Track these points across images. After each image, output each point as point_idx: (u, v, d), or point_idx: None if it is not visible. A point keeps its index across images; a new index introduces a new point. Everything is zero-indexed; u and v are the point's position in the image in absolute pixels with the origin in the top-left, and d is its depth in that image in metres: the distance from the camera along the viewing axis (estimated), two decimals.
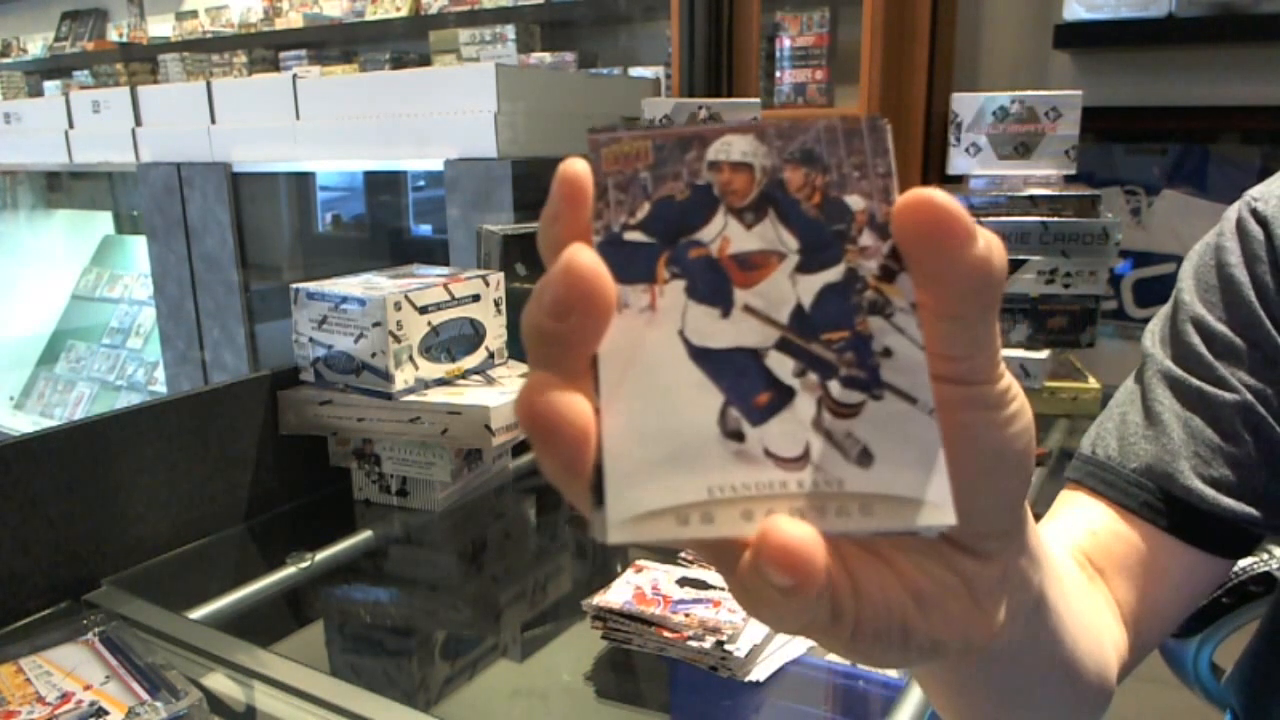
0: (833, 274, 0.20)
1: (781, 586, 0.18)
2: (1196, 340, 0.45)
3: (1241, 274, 0.44)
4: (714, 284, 0.20)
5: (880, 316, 0.20)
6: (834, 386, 0.19)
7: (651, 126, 0.21)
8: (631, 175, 0.20)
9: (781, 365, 0.20)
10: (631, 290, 0.19)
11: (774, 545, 0.18)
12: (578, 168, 0.20)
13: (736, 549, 0.19)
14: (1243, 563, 0.59)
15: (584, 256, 0.18)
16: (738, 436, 0.19)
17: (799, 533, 0.18)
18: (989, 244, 0.20)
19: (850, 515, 0.19)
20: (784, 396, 0.19)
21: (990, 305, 0.20)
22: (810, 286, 0.20)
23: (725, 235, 0.20)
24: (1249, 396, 0.43)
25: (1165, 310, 0.48)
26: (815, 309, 0.20)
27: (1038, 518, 0.47)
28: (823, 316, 0.20)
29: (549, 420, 0.18)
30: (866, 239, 0.20)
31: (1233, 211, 0.46)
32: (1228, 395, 0.43)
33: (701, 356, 0.19)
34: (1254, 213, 0.45)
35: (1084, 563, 0.43)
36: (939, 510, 0.19)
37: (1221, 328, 0.44)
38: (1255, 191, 0.46)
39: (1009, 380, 0.22)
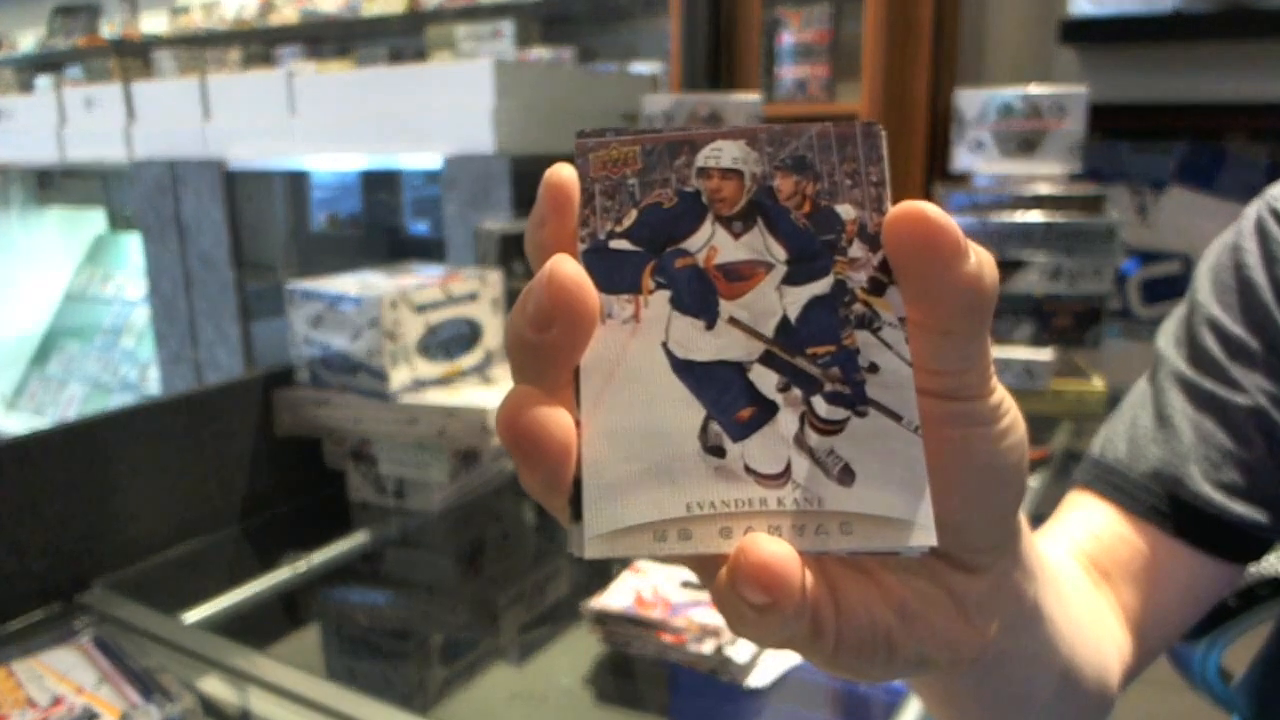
0: (820, 286, 0.20)
1: (757, 604, 0.18)
2: (1211, 342, 0.44)
3: (1259, 276, 0.43)
4: (699, 295, 0.20)
5: (868, 331, 0.19)
6: (818, 402, 0.19)
7: (642, 130, 0.20)
8: (619, 181, 0.20)
9: (765, 380, 0.19)
10: (616, 300, 0.19)
11: (750, 563, 0.18)
12: (564, 174, 0.19)
13: (718, 562, 0.19)
14: (1252, 565, 0.58)
15: (567, 267, 0.18)
16: (718, 452, 0.19)
17: (776, 550, 0.18)
18: (980, 260, 0.19)
19: (830, 534, 0.19)
20: (766, 412, 0.19)
21: (981, 322, 0.20)
22: (797, 299, 0.20)
23: (713, 245, 0.20)
24: (1262, 400, 0.42)
25: (1180, 311, 0.48)
26: (801, 322, 0.20)
27: (1042, 520, 0.47)
28: (809, 330, 0.20)
29: (530, 436, 0.18)
30: (856, 250, 0.20)
31: (1251, 211, 0.46)
32: (1240, 399, 0.42)
33: (684, 369, 0.19)
34: (1274, 213, 0.44)
35: (1089, 567, 0.43)
36: (920, 531, 0.19)
37: (1237, 330, 0.43)
38: (1275, 191, 0.45)
39: (1001, 394, 0.22)
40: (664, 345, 0.19)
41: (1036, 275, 1.04)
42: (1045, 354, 1.06)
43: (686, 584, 0.63)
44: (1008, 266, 1.03)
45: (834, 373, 0.19)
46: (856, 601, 0.21)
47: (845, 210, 0.20)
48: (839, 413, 0.19)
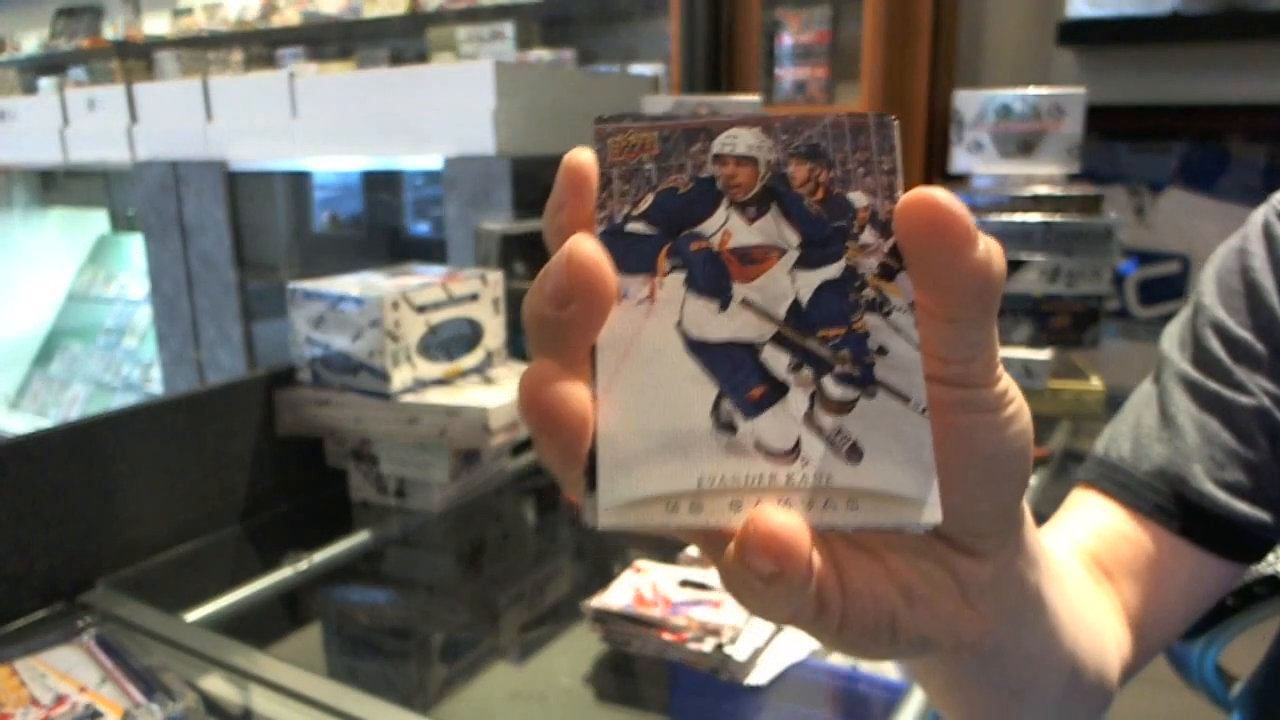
0: (832, 271, 0.20)
1: (765, 573, 0.18)
2: (1216, 344, 0.44)
3: (1266, 279, 0.44)
4: (713, 277, 0.20)
5: (878, 314, 0.20)
6: (828, 383, 0.20)
7: (659, 117, 0.21)
8: (636, 166, 0.20)
9: (776, 360, 0.20)
10: (632, 281, 0.20)
11: (760, 532, 0.18)
12: (583, 157, 0.20)
13: (727, 537, 0.19)
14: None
15: (586, 246, 0.18)
16: (730, 429, 0.19)
17: (785, 520, 0.18)
18: (989, 248, 0.20)
19: (837, 509, 0.19)
20: (777, 391, 0.20)
21: (988, 309, 0.20)
22: (809, 282, 0.20)
23: (727, 229, 0.20)
24: (1266, 402, 0.42)
25: (1184, 314, 0.48)
26: (813, 305, 0.20)
27: (1042, 519, 0.47)
28: (820, 313, 0.20)
29: (550, 409, 0.18)
30: (868, 236, 0.20)
31: (1258, 216, 0.46)
32: (1245, 400, 0.43)
33: (698, 349, 0.20)
34: None
35: (1090, 564, 0.43)
36: (925, 508, 0.19)
37: (1243, 333, 0.44)
38: None
39: (1006, 383, 0.22)
40: (678, 325, 0.20)
41: (1035, 276, 1.04)
42: (1044, 354, 1.06)
43: (686, 583, 0.63)
44: (1006, 267, 1.04)
45: (844, 355, 0.20)
46: (862, 582, 0.22)
47: (857, 198, 0.20)
48: (848, 393, 0.20)
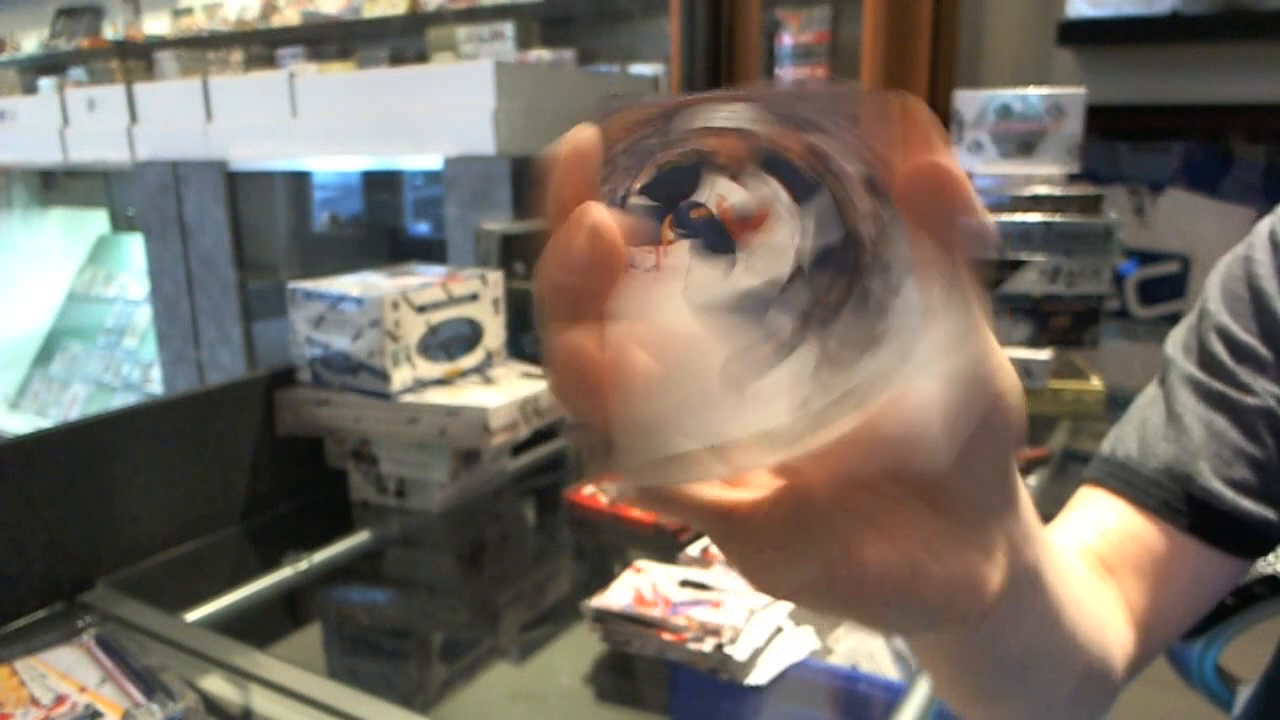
0: (832, 236, 0.21)
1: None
2: (1220, 348, 0.45)
3: (1271, 286, 0.44)
4: (716, 244, 0.21)
5: (878, 277, 0.21)
6: (831, 342, 0.21)
7: (661, 97, 0.22)
8: (638, 142, 0.21)
9: (781, 320, 0.21)
10: (637, 252, 0.21)
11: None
12: (586, 134, 0.21)
13: (732, 513, 0.20)
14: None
15: (597, 213, 0.19)
16: (739, 388, 0.20)
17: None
18: (985, 216, 0.21)
19: None
20: (783, 350, 0.20)
21: (980, 276, 0.21)
22: (810, 247, 0.21)
23: (728, 198, 0.21)
24: (1271, 402, 0.43)
25: (1189, 319, 0.49)
26: (814, 269, 0.21)
27: (1044, 519, 0.47)
28: (821, 275, 0.21)
29: (574, 369, 0.19)
30: (866, 204, 0.21)
31: (1264, 225, 0.47)
32: (1250, 399, 0.43)
33: (704, 312, 0.21)
34: None
35: (1094, 562, 0.43)
36: (930, 455, 0.20)
37: (1247, 337, 0.44)
38: None
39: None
40: (685, 291, 0.20)
41: (1035, 275, 1.04)
42: (1044, 354, 1.06)
43: (686, 583, 0.63)
44: (1007, 267, 1.04)
45: (846, 315, 0.20)
46: (869, 553, 0.22)
47: (856, 167, 0.21)
48: (851, 352, 0.20)
